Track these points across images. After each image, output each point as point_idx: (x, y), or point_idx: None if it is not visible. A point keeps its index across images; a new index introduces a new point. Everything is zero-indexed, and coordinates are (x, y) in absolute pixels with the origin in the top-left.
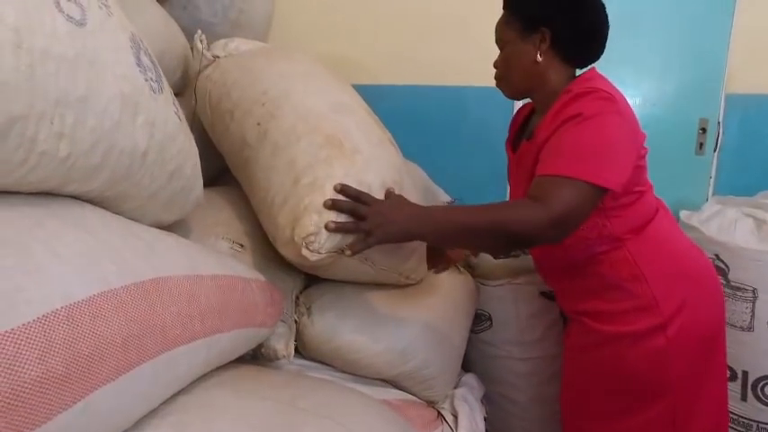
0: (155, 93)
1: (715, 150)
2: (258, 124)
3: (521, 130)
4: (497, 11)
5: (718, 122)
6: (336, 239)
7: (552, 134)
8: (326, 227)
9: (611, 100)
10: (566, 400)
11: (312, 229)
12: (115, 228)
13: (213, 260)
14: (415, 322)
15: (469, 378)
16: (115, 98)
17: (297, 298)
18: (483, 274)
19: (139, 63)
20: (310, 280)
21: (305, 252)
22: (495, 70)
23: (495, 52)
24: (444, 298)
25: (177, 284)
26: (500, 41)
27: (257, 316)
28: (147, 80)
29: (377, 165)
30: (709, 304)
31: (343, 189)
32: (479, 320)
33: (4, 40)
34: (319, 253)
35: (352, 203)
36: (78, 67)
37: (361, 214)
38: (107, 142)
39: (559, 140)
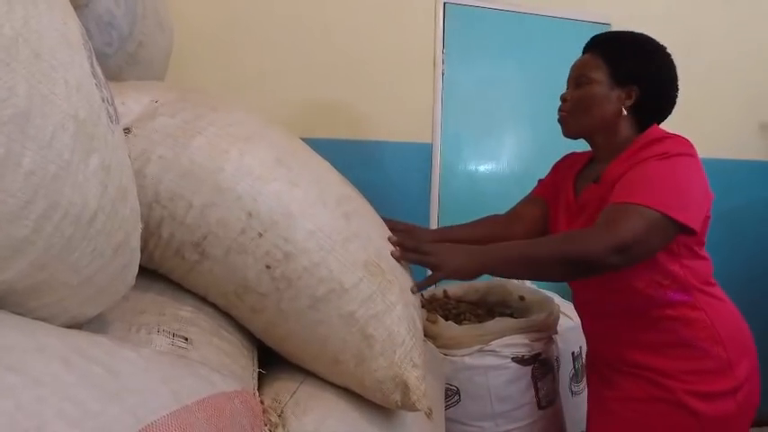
0: (112, 122)
1: None
2: (268, 267)
3: (576, 176)
4: (419, 63)
5: None
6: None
7: (629, 170)
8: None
9: (693, 148)
10: None
11: (424, 386)
12: (51, 347)
13: (185, 372)
14: (402, 420)
15: None
16: (67, 124)
17: (262, 402)
18: (447, 344)
19: (94, 72)
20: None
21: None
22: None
23: (414, 107)
24: None
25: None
26: (584, 78)
27: None
28: (103, 100)
29: (407, 269)
30: (757, 375)
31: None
32: (446, 396)
33: None
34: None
35: (417, 256)
36: (16, 54)
37: (426, 259)
38: (48, 199)
39: (639, 172)
